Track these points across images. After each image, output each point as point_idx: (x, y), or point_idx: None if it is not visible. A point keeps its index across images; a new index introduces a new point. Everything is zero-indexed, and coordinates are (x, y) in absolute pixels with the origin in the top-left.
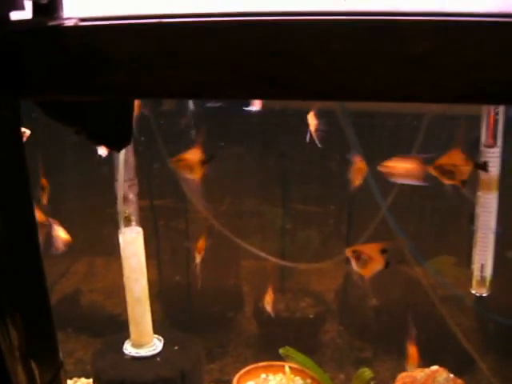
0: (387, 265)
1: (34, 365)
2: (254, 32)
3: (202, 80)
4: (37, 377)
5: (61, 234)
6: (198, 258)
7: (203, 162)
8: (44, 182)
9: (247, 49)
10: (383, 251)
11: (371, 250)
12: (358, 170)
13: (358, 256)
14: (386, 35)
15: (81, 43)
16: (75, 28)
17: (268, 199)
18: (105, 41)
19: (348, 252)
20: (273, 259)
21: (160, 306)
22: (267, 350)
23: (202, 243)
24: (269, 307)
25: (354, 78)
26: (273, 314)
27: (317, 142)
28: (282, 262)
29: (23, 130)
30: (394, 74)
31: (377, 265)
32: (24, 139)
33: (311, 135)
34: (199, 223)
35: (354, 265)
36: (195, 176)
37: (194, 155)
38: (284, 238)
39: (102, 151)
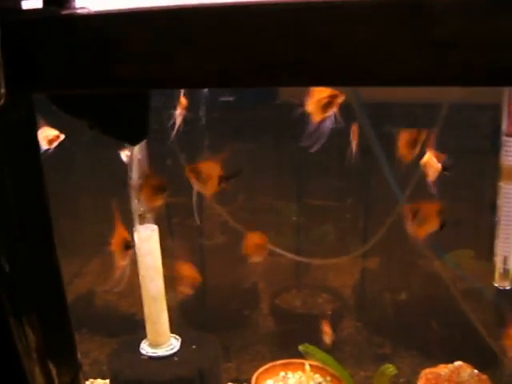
0: (442, 227)
1: (51, 366)
2: (273, 16)
3: (219, 68)
4: (55, 378)
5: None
6: None
7: (223, 178)
8: None
9: (266, 34)
10: (440, 212)
11: (429, 209)
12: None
13: (415, 213)
14: (411, 15)
15: (94, 32)
16: (88, 17)
17: (282, 194)
18: (118, 29)
19: (406, 208)
20: (288, 255)
21: (175, 304)
22: (285, 348)
23: None
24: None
25: (379, 62)
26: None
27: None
28: (298, 258)
29: (56, 133)
30: (421, 56)
31: (432, 225)
32: (56, 143)
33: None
34: (214, 220)
35: (409, 223)
36: (209, 191)
37: (212, 168)
38: (299, 233)
39: (125, 155)
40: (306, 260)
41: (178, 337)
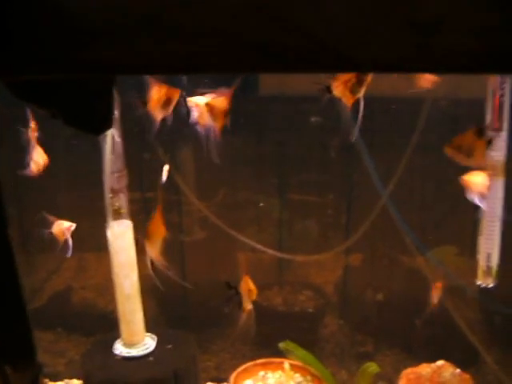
0: (490, 142)
1: (8, 370)
2: None
3: (188, 52)
4: (12, 382)
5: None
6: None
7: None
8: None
9: (237, 14)
10: (480, 132)
11: (468, 137)
12: None
13: (458, 148)
14: None
15: (53, 14)
16: None
17: (264, 189)
18: (82, 11)
19: (447, 150)
20: (270, 251)
21: (154, 302)
22: (265, 346)
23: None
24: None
25: (357, 46)
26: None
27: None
28: (280, 255)
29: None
30: (403, 41)
31: (481, 148)
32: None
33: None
34: (193, 216)
35: (459, 160)
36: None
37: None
38: (281, 229)
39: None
40: (287, 256)
41: (153, 336)
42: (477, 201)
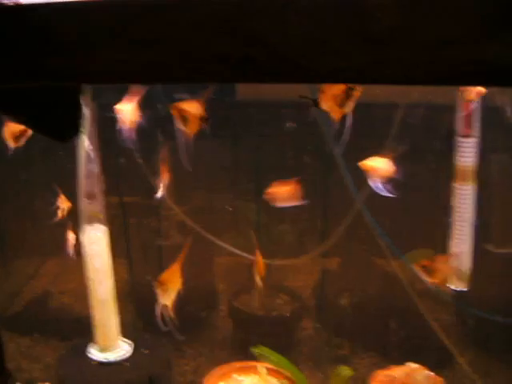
0: None
1: None
2: (206, 8)
3: (151, 62)
4: None
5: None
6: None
7: (204, 119)
8: None
9: (199, 26)
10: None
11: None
12: None
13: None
14: (347, 9)
15: (22, 24)
16: (16, 8)
17: (241, 194)
18: (45, 20)
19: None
20: (247, 256)
21: (132, 306)
22: (242, 350)
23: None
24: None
25: (315, 58)
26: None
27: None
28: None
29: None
30: (357, 52)
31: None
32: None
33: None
34: (172, 221)
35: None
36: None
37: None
38: (258, 233)
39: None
40: (265, 260)
41: (128, 341)
42: (378, 186)
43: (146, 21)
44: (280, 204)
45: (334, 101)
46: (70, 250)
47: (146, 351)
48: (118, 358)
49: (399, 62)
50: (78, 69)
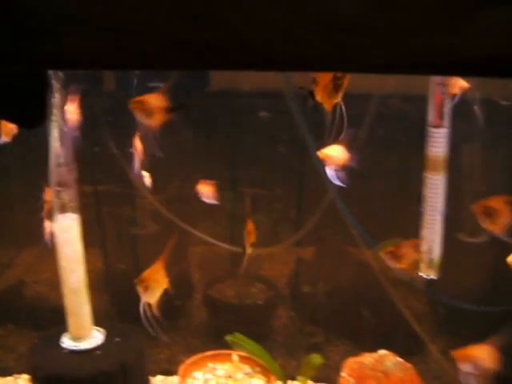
0: None
1: None
2: None
3: (113, 49)
4: None
5: None
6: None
7: (169, 110)
8: None
9: (160, 13)
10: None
11: (498, 203)
12: None
13: (487, 212)
14: None
15: None
16: None
17: (216, 183)
18: (14, 6)
19: (476, 208)
20: (222, 245)
21: (107, 295)
22: (217, 339)
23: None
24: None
25: (279, 45)
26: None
27: None
28: (232, 248)
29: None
30: (322, 40)
31: (505, 218)
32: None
33: None
34: (146, 209)
35: (482, 221)
36: (154, 123)
37: (157, 100)
38: (233, 222)
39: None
40: (240, 250)
41: (101, 329)
42: (332, 175)
43: (108, 7)
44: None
45: (324, 92)
46: (46, 238)
47: (118, 339)
48: (90, 347)
49: (362, 51)
50: (43, 55)
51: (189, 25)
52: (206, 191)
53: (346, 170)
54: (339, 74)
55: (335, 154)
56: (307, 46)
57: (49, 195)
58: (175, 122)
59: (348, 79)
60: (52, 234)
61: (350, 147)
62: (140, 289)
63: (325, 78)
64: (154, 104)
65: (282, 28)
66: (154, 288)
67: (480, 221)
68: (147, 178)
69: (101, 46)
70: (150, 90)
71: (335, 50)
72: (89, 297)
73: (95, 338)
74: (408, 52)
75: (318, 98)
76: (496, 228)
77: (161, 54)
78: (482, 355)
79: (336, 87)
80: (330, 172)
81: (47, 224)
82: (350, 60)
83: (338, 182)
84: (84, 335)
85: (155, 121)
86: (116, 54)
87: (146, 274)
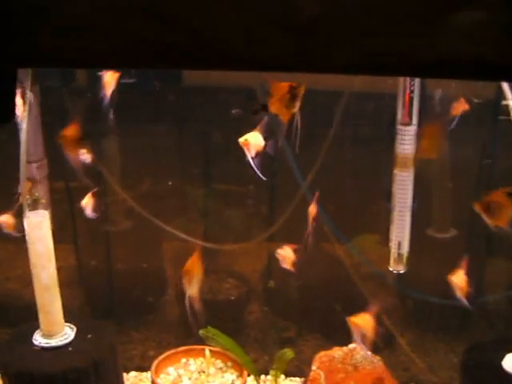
0: None
1: None
2: None
3: (82, 48)
4: None
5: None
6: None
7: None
8: None
9: (123, 12)
10: (510, 195)
11: (499, 197)
12: None
13: (487, 207)
14: None
15: None
16: None
17: (189, 179)
18: None
19: (477, 206)
20: (195, 241)
21: (80, 292)
22: (191, 334)
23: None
24: None
25: (239, 45)
26: None
27: None
28: (205, 244)
29: None
30: (281, 40)
31: (509, 210)
32: None
33: None
34: (119, 206)
35: (485, 218)
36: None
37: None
38: (206, 218)
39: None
40: (212, 245)
41: (73, 326)
42: (251, 161)
43: (78, 6)
44: None
45: (281, 103)
46: (15, 235)
47: (90, 336)
48: (61, 343)
49: (321, 52)
50: (11, 52)
51: (151, 25)
52: (285, 257)
53: (261, 156)
54: (295, 84)
55: (253, 140)
56: (266, 45)
57: (23, 191)
58: (148, 118)
59: (304, 89)
60: (20, 230)
61: (265, 134)
62: (185, 282)
63: (280, 88)
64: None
65: (242, 28)
66: (195, 280)
67: (484, 218)
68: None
69: (67, 44)
70: (122, 87)
71: (294, 50)
72: (60, 293)
73: (67, 334)
74: (367, 53)
75: (274, 109)
76: (502, 222)
77: (124, 53)
78: (364, 322)
79: (293, 97)
80: (249, 158)
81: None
82: (309, 60)
83: (256, 168)
84: (56, 332)
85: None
86: (81, 52)
87: (188, 266)
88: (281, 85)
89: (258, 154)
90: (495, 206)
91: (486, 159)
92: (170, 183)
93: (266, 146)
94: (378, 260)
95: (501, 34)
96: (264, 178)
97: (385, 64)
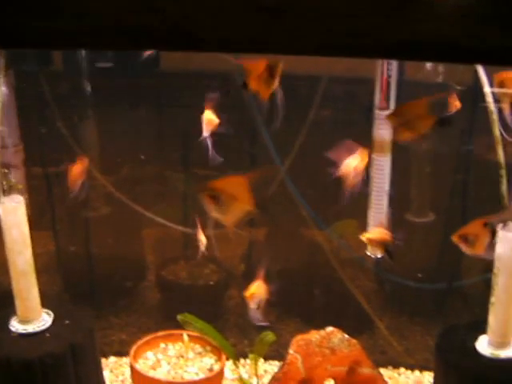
0: (494, 235)
1: None
2: None
3: (60, 30)
4: None
5: None
6: None
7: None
8: None
9: None
10: (486, 224)
11: (475, 227)
12: None
13: (465, 239)
14: None
15: None
16: None
17: (168, 164)
18: None
19: (455, 238)
20: (175, 226)
21: (59, 278)
22: (170, 319)
23: None
24: None
25: (208, 27)
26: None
27: None
28: (185, 229)
29: None
30: (249, 22)
31: (484, 239)
32: None
33: None
34: (98, 191)
35: (464, 248)
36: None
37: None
38: (186, 203)
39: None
40: (192, 231)
41: (50, 312)
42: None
43: None
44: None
45: (259, 81)
46: None
47: (68, 321)
48: (38, 329)
49: (291, 33)
50: None
51: (118, 6)
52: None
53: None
54: (273, 62)
55: (207, 118)
56: (235, 27)
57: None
58: (126, 103)
59: (281, 66)
60: None
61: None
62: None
63: (258, 66)
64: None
65: (211, 10)
66: (228, 203)
67: (462, 248)
68: None
69: (43, 26)
70: (98, 71)
71: (262, 32)
72: (40, 280)
73: (44, 320)
74: (338, 34)
75: (253, 87)
76: (478, 251)
77: (93, 35)
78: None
79: (271, 74)
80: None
81: None
82: (277, 42)
83: (210, 146)
84: (33, 318)
85: None
86: (52, 33)
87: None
88: (258, 63)
89: (212, 133)
90: (472, 236)
91: (465, 146)
92: (142, 157)
93: (220, 124)
94: (357, 245)
95: (476, 22)
96: (220, 158)
97: (356, 45)
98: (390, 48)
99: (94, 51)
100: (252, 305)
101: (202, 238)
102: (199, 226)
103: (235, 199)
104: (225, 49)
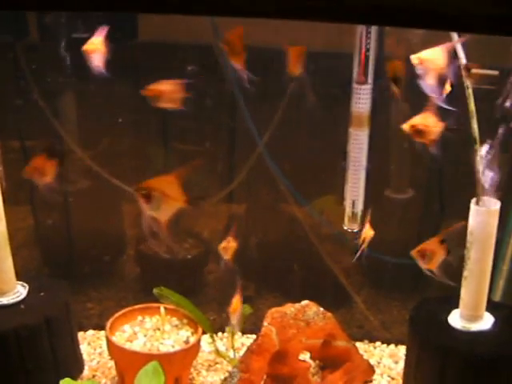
0: (448, 252)
1: None
2: None
3: None
4: None
5: None
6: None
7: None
8: None
9: None
10: (442, 241)
11: (432, 244)
12: None
13: (423, 255)
14: None
15: None
16: None
17: (148, 138)
18: None
19: (414, 253)
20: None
21: (38, 252)
22: (150, 294)
23: None
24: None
25: None
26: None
27: None
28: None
29: None
30: None
31: (440, 256)
32: None
33: None
34: (76, 165)
35: (420, 264)
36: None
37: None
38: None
39: None
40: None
41: (25, 284)
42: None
43: None
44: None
45: (230, 50)
46: None
47: (42, 294)
48: (12, 301)
49: None
50: None
51: None
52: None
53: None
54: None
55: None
56: None
57: None
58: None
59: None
60: None
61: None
62: (139, 197)
63: (232, 33)
64: None
65: None
66: (161, 200)
67: (418, 262)
68: None
69: None
70: (76, 41)
71: None
72: (19, 254)
73: (19, 292)
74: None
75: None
76: (432, 266)
77: None
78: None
79: (240, 40)
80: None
81: None
82: (236, 5)
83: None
84: (7, 290)
85: None
86: None
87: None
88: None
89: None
90: (429, 252)
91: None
92: (119, 120)
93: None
94: (336, 220)
95: None
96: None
97: (310, 8)
98: (373, 13)
99: (71, 21)
100: (233, 320)
101: None
102: None
103: (167, 197)
104: (186, 11)
